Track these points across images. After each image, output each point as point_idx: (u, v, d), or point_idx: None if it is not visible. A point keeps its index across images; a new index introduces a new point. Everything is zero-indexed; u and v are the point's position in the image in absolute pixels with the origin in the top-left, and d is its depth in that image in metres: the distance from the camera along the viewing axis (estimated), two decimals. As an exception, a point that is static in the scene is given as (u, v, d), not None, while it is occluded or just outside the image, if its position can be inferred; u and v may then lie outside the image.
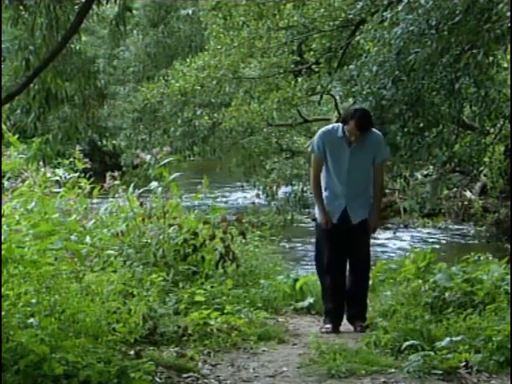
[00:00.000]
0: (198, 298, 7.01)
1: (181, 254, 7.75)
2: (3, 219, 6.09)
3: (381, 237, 17.00)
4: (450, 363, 5.55)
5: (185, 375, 5.51)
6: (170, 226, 7.88)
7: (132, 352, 5.64)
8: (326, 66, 16.84)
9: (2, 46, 9.97)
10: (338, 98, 17.29)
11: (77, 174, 9.02)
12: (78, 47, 11.68)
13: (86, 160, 9.24)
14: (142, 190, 8.61)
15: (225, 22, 16.96)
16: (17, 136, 9.10)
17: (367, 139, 6.88)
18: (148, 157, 8.75)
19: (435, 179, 16.85)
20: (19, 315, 5.27)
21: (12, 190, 7.89)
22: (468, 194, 18.54)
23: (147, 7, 25.05)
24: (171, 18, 24.80)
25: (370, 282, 7.55)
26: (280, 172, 18.69)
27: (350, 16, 15.19)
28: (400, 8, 9.26)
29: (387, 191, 18.50)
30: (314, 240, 7.42)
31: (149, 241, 7.74)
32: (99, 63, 25.56)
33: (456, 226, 18.08)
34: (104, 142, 25.65)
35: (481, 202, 18.08)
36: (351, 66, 10.94)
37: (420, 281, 7.26)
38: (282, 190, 18.85)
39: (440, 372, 5.49)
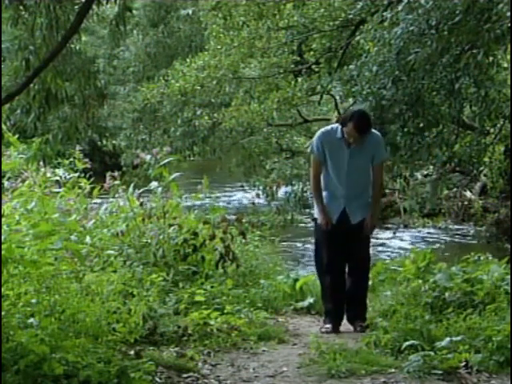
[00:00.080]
0: (198, 298, 7.01)
1: (181, 254, 7.75)
2: (3, 219, 6.09)
3: (381, 237, 17.00)
4: (450, 363, 5.55)
5: (185, 375, 5.51)
6: (170, 225, 7.88)
7: (132, 352, 5.64)
8: (326, 66, 16.84)
9: (2, 45, 9.97)
10: (338, 97, 17.29)
11: (77, 174, 9.02)
12: (78, 47, 11.71)
13: (86, 160, 9.24)
14: (141, 190, 8.61)
15: (225, 22, 16.96)
16: (17, 136, 9.10)
17: (366, 140, 6.87)
18: (148, 157, 8.75)
19: (435, 179, 16.85)
20: (19, 315, 5.27)
21: (12, 190, 7.89)
22: (468, 193, 18.54)
23: (147, 7, 25.06)
24: (171, 18, 24.81)
25: (370, 282, 7.55)
26: (280, 172, 18.70)
27: (350, 16, 15.20)
28: (400, 8, 9.27)
29: (387, 191, 18.51)
30: (313, 240, 7.42)
31: (149, 241, 7.74)
32: (99, 63, 25.57)
33: (456, 226, 18.08)
34: (104, 141, 25.65)
35: (481, 202, 18.08)
36: (351, 66, 10.96)
37: (420, 281, 7.26)
38: (282, 190, 18.85)
39: (440, 372, 5.49)
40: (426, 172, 17.60)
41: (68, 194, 8.55)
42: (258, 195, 17.67)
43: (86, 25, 14.96)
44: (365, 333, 6.68)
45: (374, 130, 7.02)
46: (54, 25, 7.25)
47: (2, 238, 5.15)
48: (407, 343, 5.87)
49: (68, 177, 8.93)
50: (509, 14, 7.73)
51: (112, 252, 7.25)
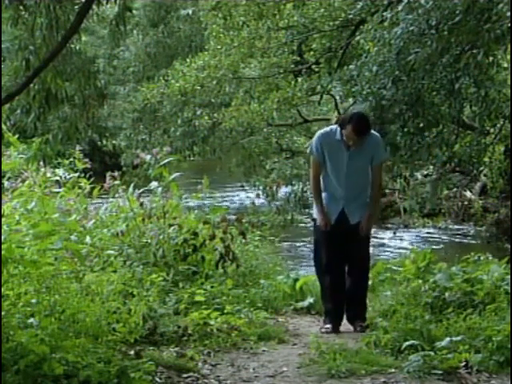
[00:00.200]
0: (198, 298, 7.01)
1: (181, 254, 7.75)
2: (3, 219, 6.09)
3: (381, 237, 17.01)
4: (450, 363, 5.55)
5: (185, 375, 5.51)
6: (170, 225, 7.88)
7: (132, 352, 5.64)
8: (326, 66, 16.84)
9: (2, 45, 9.98)
10: (338, 97, 17.29)
11: (77, 174, 9.02)
12: (78, 47, 11.71)
13: (86, 160, 9.24)
14: (141, 190, 8.61)
15: (225, 22, 16.96)
16: (17, 136, 9.10)
17: (365, 142, 6.87)
18: (148, 157, 8.75)
19: (435, 179, 16.85)
20: (19, 315, 5.27)
21: (12, 190, 7.89)
22: (468, 193, 18.54)
23: (147, 7, 25.06)
24: (171, 18, 24.81)
25: (370, 282, 7.56)
26: (280, 172, 18.69)
27: (350, 16, 15.20)
28: (400, 8, 9.26)
29: (387, 191, 18.51)
30: (313, 240, 7.42)
31: (149, 241, 7.74)
32: (99, 63, 25.58)
33: (456, 226, 18.09)
34: (104, 141, 25.66)
35: (481, 202, 18.09)
36: (351, 66, 10.95)
37: (420, 281, 7.25)
38: (282, 190, 18.85)
39: (440, 372, 5.49)
40: (426, 172, 17.60)
41: (68, 193, 8.55)
42: (258, 195, 17.68)
43: (85, 25, 14.96)
44: (365, 333, 6.68)
45: (373, 131, 7.02)
46: (54, 25, 7.25)
47: (2, 237, 5.15)
48: (407, 343, 5.87)
49: (68, 177, 8.93)
50: (509, 14, 7.73)
51: (112, 252, 7.25)
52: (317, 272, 7.24)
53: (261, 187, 18.84)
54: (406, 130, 9.66)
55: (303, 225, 17.71)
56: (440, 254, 10.24)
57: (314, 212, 7.14)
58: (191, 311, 6.76)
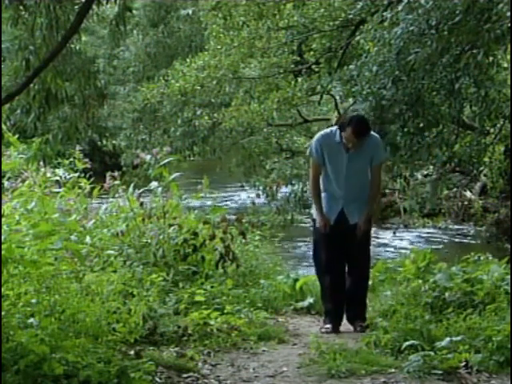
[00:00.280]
0: (198, 298, 7.01)
1: (181, 254, 7.75)
2: (3, 219, 6.09)
3: (381, 237, 17.01)
4: (450, 363, 5.55)
5: (185, 375, 5.51)
6: (170, 225, 7.88)
7: (132, 352, 5.64)
8: (326, 66, 16.84)
9: (2, 45, 9.98)
10: (338, 97, 17.28)
11: (77, 174, 9.02)
12: (78, 47, 11.70)
13: (86, 160, 9.24)
14: (142, 190, 8.61)
15: (225, 22, 16.96)
16: (17, 136, 9.10)
17: (365, 144, 6.87)
18: (148, 157, 8.75)
19: (435, 179, 16.85)
20: (19, 315, 5.27)
21: (12, 190, 7.89)
22: (468, 194, 18.54)
23: (147, 7, 25.05)
24: (171, 18, 24.80)
25: (370, 282, 7.55)
26: (280, 172, 18.68)
27: (350, 16, 15.19)
28: (400, 8, 9.26)
29: (387, 191, 18.51)
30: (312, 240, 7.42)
31: (149, 241, 7.74)
32: (99, 63, 25.57)
33: (456, 226, 18.09)
34: (104, 141, 25.65)
35: (481, 202, 18.08)
36: (351, 66, 10.95)
37: (420, 281, 7.26)
38: (282, 190, 18.85)
39: (440, 372, 5.49)
40: (426, 172, 17.59)
41: (68, 193, 8.55)
42: (258, 195, 17.69)
43: (86, 25, 14.96)
44: (365, 333, 6.69)
45: (372, 132, 7.02)
46: (54, 25, 7.25)
47: (2, 237, 5.15)
48: (407, 343, 5.87)
49: (68, 177, 8.93)
50: (509, 14, 7.73)
51: (112, 252, 7.25)
52: (317, 272, 7.24)
53: (261, 187, 18.83)
54: (406, 130, 9.66)
55: (303, 225, 17.71)
56: (440, 254, 10.24)
57: (314, 212, 7.14)
58: (191, 311, 6.76)
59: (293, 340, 6.70)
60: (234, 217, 8.89)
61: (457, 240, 17.13)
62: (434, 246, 13.82)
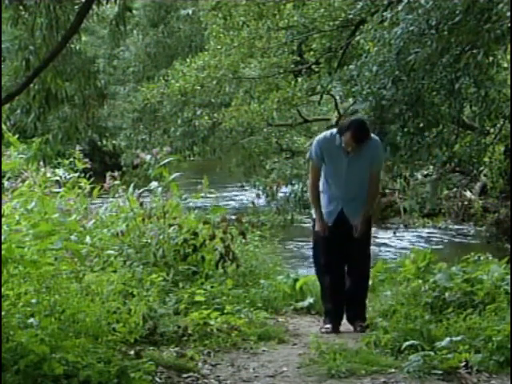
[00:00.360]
0: (198, 298, 7.01)
1: (181, 254, 7.75)
2: (3, 219, 6.09)
3: (381, 237, 17.01)
4: (450, 363, 5.55)
5: (185, 375, 5.51)
6: (170, 225, 7.88)
7: (132, 352, 5.64)
8: (326, 66, 16.85)
9: (2, 45, 9.98)
10: (338, 97, 17.29)
11: (77, 174, 9.02)
12: (78, 47, 11.71)
13: (86, 160, 9.24)
14: (142, 190, 8.60)
15: (225, 22, 16.97)
16: (17, 136, 9.11)
17: (365, 148, 6.85)
18: (148, 157, 8.76)
19: (435, 179, 16.85)
20: (19, 315, 5.27)
21: (12, 190, 7.89)
22: (468, 193, 18.54)
23: (147, 7, 25.06)
24: (171, 18, 24.81)
25: (370, 282, 7.55)
26: (280, 172, 18.68)
27: (350, 16, 15.20)
28: (400, 8, 9.27)
29: (387, 191, 18.51)
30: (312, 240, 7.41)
31: (149, 241, 7.74)
32: (99, 63, 25.58)
33: (456, 226, 18.08)
34: (104, 141, 25.66)
35: (481, 202, 18.08)
36: (351, 66, 10.96)
37: (420, 281, 7.26)
38: (282, 190, 18.85)
39: (440, 372, 5.48)
40: (426, 172, 17.59)
41: (68, 193, 8.55)
42: (258, 195, 17.69)
43: (85, 25, 14.97)
44: (365, 333, 6.68)
45: (372, 135, 7.00)
46: (54, 25, 7.26)
47: (2, 238, 5.15)
48: (407, 343, 5.87)
49: (68, 177, 8.93)
50: (509, 14, 7.73)
51: (112, 252, 7.25)
52: (317, 272, 7.24)
53: (261, 187, 18.83)
54: (406, 130, 9.67)
55: (303, 225, 17.71)
56: (440, 254, 10.23)
57: (313, 213, 7.13)
58: (191, 311, 6.76)
59: (293, 340, 6.70)
60: (234, 217, 8.89)
61: (457, 240, 17.13)
62: (433, 246, 13.82)
